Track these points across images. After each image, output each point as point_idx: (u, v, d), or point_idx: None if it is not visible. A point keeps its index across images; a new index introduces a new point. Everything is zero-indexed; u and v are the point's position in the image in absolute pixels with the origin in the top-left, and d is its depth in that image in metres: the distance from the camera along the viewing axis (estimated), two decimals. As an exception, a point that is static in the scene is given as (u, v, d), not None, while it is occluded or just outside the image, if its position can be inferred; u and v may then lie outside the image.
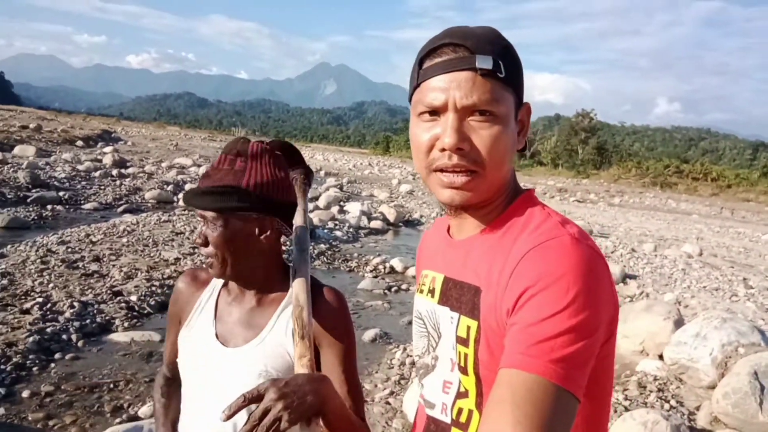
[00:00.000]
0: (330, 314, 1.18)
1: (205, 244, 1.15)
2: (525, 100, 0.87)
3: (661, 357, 4.93)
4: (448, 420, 0.89)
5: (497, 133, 0.81)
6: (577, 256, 0.74)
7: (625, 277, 8.25)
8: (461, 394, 0.87)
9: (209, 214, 1.14)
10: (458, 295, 0.88)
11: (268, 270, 1.23)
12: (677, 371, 4.61)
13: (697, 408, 4.07)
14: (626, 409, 3.88)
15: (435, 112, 0.83)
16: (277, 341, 1.18)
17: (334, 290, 1.24)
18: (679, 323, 5.20)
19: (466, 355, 0.84)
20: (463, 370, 0.85)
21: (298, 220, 1.31)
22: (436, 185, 0.85)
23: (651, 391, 4.31)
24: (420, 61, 0.85)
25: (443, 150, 0.81)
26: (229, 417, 0.92)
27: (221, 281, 1.29)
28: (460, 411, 0.87)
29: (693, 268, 9.75)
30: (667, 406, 4.05)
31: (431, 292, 0.95)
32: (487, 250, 0.86)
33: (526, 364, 0.69)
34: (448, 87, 0.80)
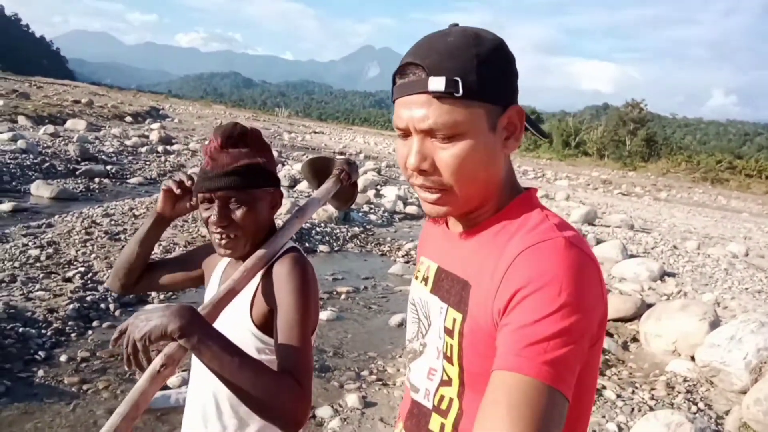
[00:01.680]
0: (279, 275, 1.21)
1: (230, 224, 1.21)
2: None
3: (693, 358, 4.81)
4: (429, 405, 0.92)
5: (460, 152, 0.81)
6: (570, 260, 0.75)
7: (664, 275, 8.03)
8: (444, 382, 0.89)
9: (232, 193, 1.19)
10: (448, 287, 0.90)
11: (266, 238, 1.28)
12: (708, 374, 4.49)
13: (726, 412, 3.96)
14: (651, 409, 3.82)
15: (405, 132, 0.85)
16: (249, 295, 1.27)
17: (292, 257, 1.24)
18: (714, 325, 5.05)
19: (451, 346, 0.86)
20: (448, 359, 0.87)
21: (319, 194, 1.39)
22: (419, 196, 0.89)
23: (679, 392, 4.22)
24: (393, 79, 0.86)
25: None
26: (112, 344, 1.08)
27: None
28: (441, 398, 0.90)
29: (736, 268, 9.41)
30: (694, 408, 3.96)
31: (425, 280, 0.98)
32: (481, 246, 0.87)
33: (520, 366, 0.70)
34: (408, 110, 0.82)
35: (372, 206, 11.14)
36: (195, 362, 1.26)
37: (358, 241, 8.38)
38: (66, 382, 3.40)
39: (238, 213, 1.21)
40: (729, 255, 10.64)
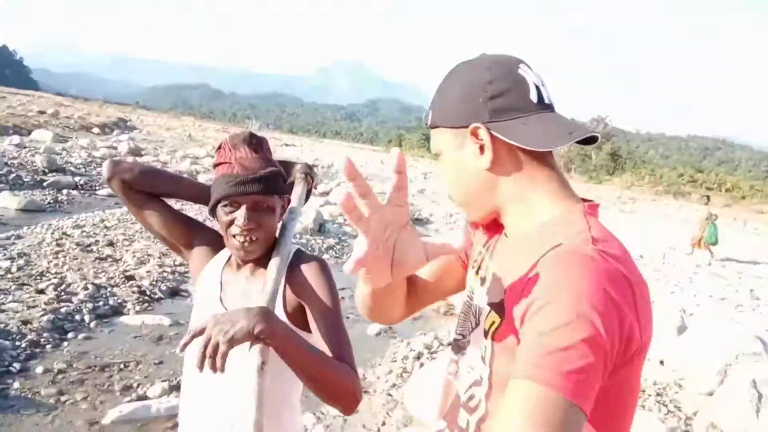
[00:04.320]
0: (308, 276, 1.32)
1: (257, 227, 1.27)
2: None
3: (662, 362, 4.97)
4: (463, 399, 0.96)
5: (444, 171, 0.98)
6: (595, 270, 0.74)
7: (632, 283, 8.26)
8: (477, 382, 0.92)
9: (260, 198, 1.27)
10: (494, 290, 0.93)
11: (271, 245, 1.36)
12: (677, 377, 4.66)
13: (695, 414, 4.11)
14: (624, 411, 3.94)
15: None
16: (258, 302, 1.30)
17: (314, 257, 1.38)
18: (681, 330, 5.24)
19: (485, 347, 0.90)
20: (483, 360, 0.90)
21: (294, 201, 1.45)
22: None
23: (650, 395, 4.35)
24: None
25: None
26: (182, 348, 1.12)
27: (226, 255, 1.42)
28: (471, 397, 0.93)
29: (701, 276, 9.74)
30: (664, 410, 4.10)
31: (482, 280, 0.99)
32: (519, 254, 0.88)
33: (536, 375, 0.70)
34: None
35: (346, 218, 11.17)
36: (203, 376, 1.27)
37: (333, 252, 8.40)
38: (43, 393, 3.33)
39: (265, 217, 1.28)
40: (693, 264, 11.00)
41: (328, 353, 1.21)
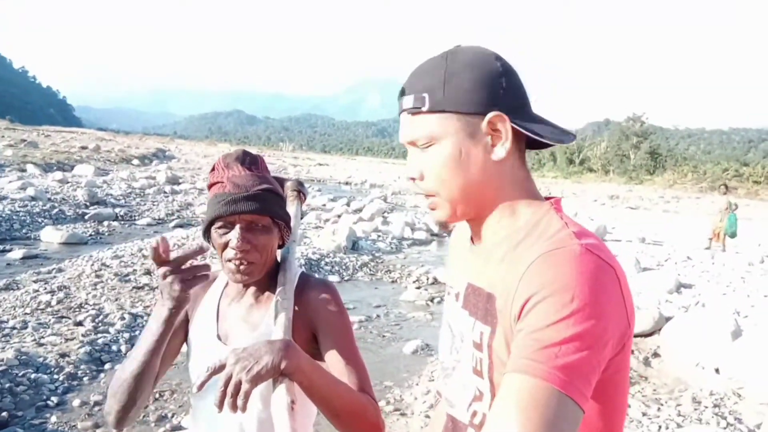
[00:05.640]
0: (319, 302, 1.25)
1: (252, 248, 1.18)
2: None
3: (717, 371, 4.69)
4: (465, 421, 0.93)
5: (435, 158, 0.88)
6: (585, 266, 0.75)
7: (680, 286, 7.90)
8: (477, 397, 0.90)
9: (256, 217, 1.18)
10: (476, 301, 0.91)
11: (274, 269, 1.29)
12: (735, 385, 4.37)
13: (758, 426, 3.83)
14: (678, 426, 3.70)
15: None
16: (273, 334, 1.20)
17: (322, 281, 1.31)
18: (737, 334, 4.94)
19: (480, 360, 0.88)
20: (479, 374, 0.88)
21: (293, 214, 1.38)
22: None
23: (706, 407, 4.09)
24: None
25: None
26: (199, 388, 1.01)
27: (223, 283, 1.33)
28: (475, 413, 0.91)
29: (753, 275, 9.27)
30: (723, 423, 3.84)
31: (457, 296, 0.99)
32: (502, 257, 0.87)
33: (531, 370, 0.70)
34: (400, 129, 0.93)
35: (380, 234, 11.11)
36: (200, 397, 1.21)
37: (367, 270, 8.33)
38: (79, 427, 3.34)
39: (261, 237, 1.19)
40: (744, 263, 10.49)
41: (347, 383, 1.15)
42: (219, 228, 1.19)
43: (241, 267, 1.18)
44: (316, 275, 1.33)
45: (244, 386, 0.96)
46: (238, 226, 1.18)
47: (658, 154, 53.63)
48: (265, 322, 1.23)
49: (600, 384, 0.74)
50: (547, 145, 0.92)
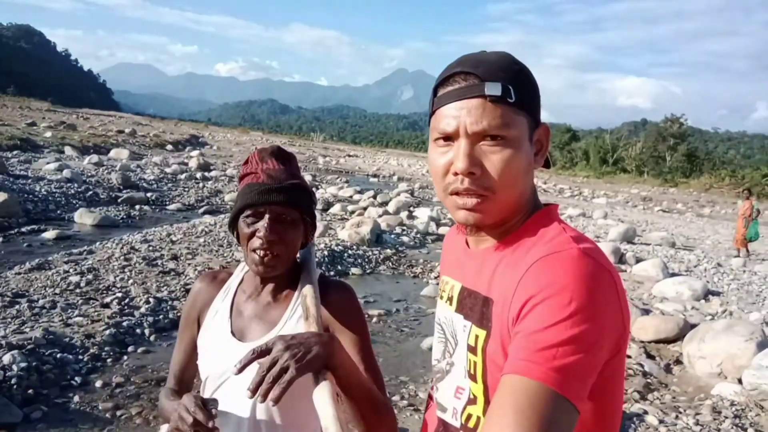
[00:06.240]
0: (339, 303, 1.26)
1: (279, 240, 1.19)
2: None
3: (740, 381, 4.58)
4: (457, 424, 0.93)
5: (508, 157, 0.84)
6: (582, 269, 0.76)
7: (708, 294, 7.72)
8: (471, 401, 0.90)
9: (285, 209, 1.19)
10: (471, 305, 0.92)
11: (295, 267, 1.30)
12: (758, 397, 4.27)
13: (779, 440, 3.74)
14: (695, 436, 3.64)
15: (449, 137, 0.87)
16: (292, 333, 1.20)
17: (341, 283, 1.33)
18: (762, 345, 4.81)
19: (475, 363, 0.88)
20: (473, 378, 0.89)
21: None
22: (452, 207, 0.90)
23: (726, 417, 4.01)
24: (435, 89, 0.92)
25: (456, 174, 0.86)
26: (240, 370, 0.99)
27: (237, 280, 1.33)
28: (469, 417, 0.91)
29: (788, 286, 8.99)
30: (743, 435, 3.76)
31: (450, 299, 0.99)
32: (500, 262, 0.88)
33: (528, 370, 0.71)
34: (459, 114, 0.84)
35: (404, 228, 11.12)
36: (214, 395, 1.22)
37: (390, 263, 8.36)
38: (101, 407, 3.46)
39: (289, 231, 1.20)
40: (778, 272, 10.17)
41: None
42: (248, 217, 1.20)
43: (266, 258, 1.19)
44: (339, 267, 1.34)
45: (290, 373, 0.94)
46: (267, 216, 1.18)
47: (696, 157, 52.21)
48: (283, 320, 1.24)
49: (596, 386, 0.75)
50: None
